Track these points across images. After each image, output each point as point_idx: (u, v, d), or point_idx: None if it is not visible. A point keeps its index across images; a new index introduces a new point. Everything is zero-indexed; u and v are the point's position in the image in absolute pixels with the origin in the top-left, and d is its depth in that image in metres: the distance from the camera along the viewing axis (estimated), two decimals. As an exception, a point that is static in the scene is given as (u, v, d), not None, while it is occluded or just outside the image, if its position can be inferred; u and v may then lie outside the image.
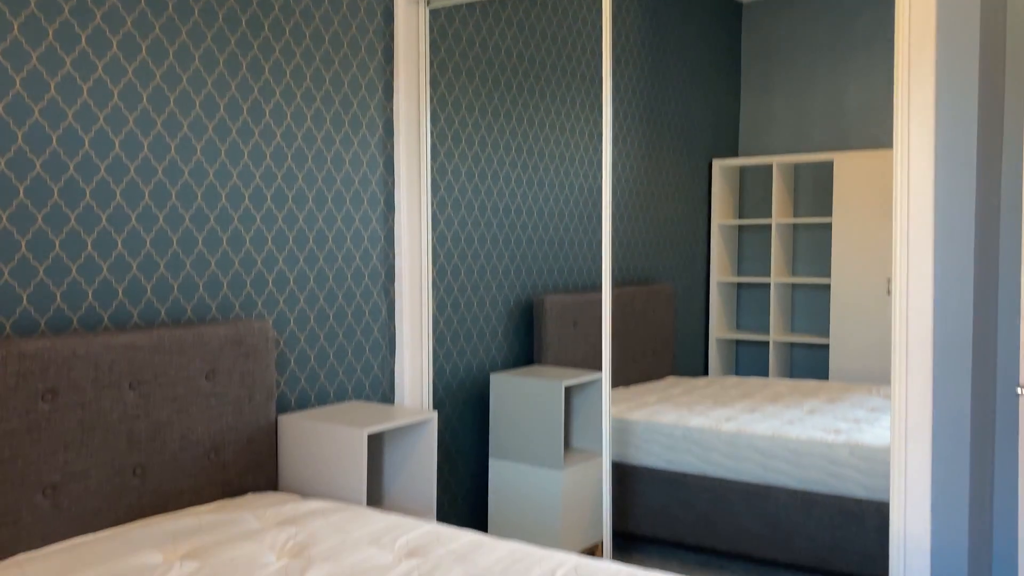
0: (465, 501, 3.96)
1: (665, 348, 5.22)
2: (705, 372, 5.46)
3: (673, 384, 4.91)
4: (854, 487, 3.45)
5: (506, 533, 3.86)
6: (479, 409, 4.03)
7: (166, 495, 2.65)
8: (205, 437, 2.75)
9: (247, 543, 2.36)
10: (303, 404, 3.22)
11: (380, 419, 3.00)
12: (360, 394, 3.44)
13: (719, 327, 5.40)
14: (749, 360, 5.58)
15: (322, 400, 3.29)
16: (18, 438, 2.30)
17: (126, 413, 2.54)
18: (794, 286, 5.03)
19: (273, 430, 2.97)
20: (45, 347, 2.35)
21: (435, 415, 3.14)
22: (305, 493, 2.96)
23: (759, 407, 4.25)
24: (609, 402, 3.67)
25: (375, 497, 3.27)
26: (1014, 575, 2.90)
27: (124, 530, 2.44)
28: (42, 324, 2.46)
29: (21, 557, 2.25)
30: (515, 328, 4.23)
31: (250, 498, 2.77)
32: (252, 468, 2.90)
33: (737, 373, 5.56)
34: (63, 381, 2.39)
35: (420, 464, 3.15)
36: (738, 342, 5.58)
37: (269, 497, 2.77)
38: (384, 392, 3.55)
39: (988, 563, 2.91)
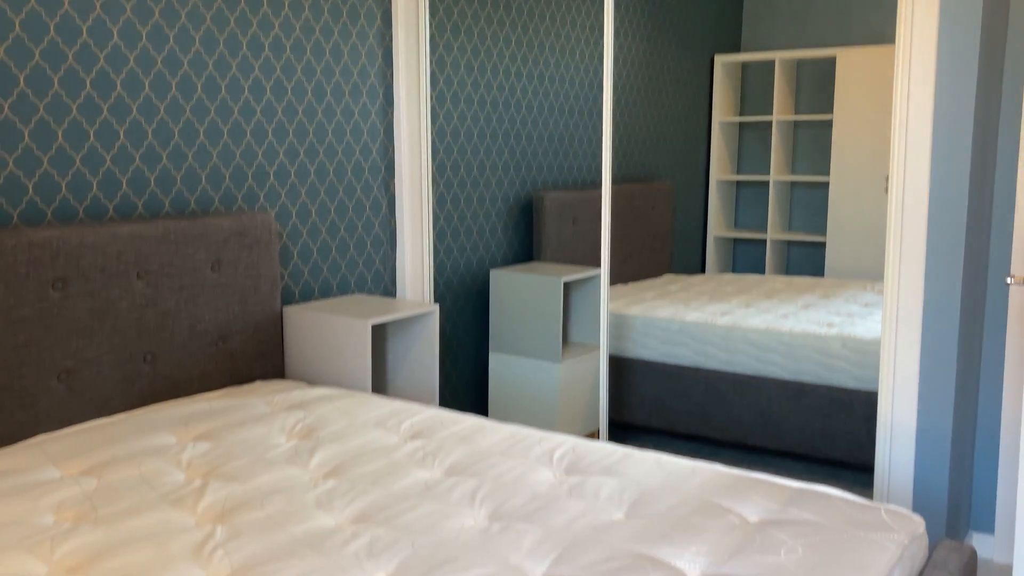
0: (466, 394, 4.06)
1: (663, 246, 5.26)
2: (702, 270, 5.52)
3: (671, 281, 4.97)
4: (845, 378, 3.54)
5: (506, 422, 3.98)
6: (479, 304, 4.10)
7: (176, 382, 2.72)
8: (212, 326, 2.81)
9: (257, 426, 2.45)
10: (307, 296, 3.27)
11: (383, 311, 3.06)
12: (363, 288, 3.50)
13: (717, 225, 5.43)
14: (746, 258, 5.63)
15: (325, 293, 3.34)
16: (32, 325, 2.35)
17: (134, 302, 2.59)
18: (793, 184, 5.04)
19: (279, 321, 3.03)
20: (53, 236, 2.38)
21: (436, 308, 3.20)
22: (311, 381, 3.04)
23: (754, 302, 4.32)
24: (607, 297, 3.73)
25: (379, 387, 3.36)
26: (995, 460, 3.01)
27: (137, 414, 2.52)
28: (49, 214, 2.49)
29: (41, 438, 2.33)
30: (515, 225, 4.26)
31: (258, 385, 2.85)
32: (259, 357, 2.97)
33: (734, 271, 5.62)
34: (72, 270, 2.43)
35: (422, 355, 3.22)
36: (736, 240, 5.62)
37: (277, 384, 2.85)
38: (386, 286, 3.60)
39: (971, 448, 3.02)
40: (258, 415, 2.55)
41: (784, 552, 1.69)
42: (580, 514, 1.89)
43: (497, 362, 3.97)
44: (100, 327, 2.51)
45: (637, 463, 2.18)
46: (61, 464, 2.17)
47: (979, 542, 3.04)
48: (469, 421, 2.51)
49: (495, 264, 4.17)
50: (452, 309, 3.94)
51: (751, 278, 5.15)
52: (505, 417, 3.99)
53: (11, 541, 1.74)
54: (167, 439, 2.36)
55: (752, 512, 1.92)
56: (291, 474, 2.13)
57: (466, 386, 4.06)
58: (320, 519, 1.88)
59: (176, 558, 1.70)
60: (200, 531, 1.82)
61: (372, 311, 3.05)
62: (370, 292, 3.53)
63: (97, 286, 2.50)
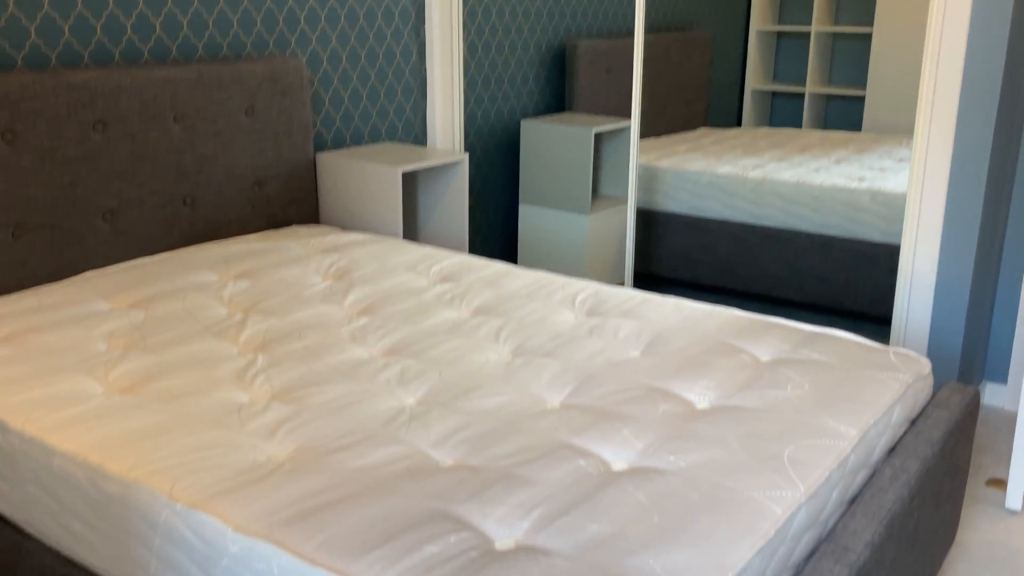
0: (495, 244, 4.14)
1: (699, 98, 5.19)
2: (738, 124, 5.46)
3: (705, 135, 4.93)
4: (872, 232, 3.56)
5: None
6: (510, 155, 4.12)
7: (215, 224, 2.82)
8: (248, 171, 2.88)
9: (294, 267, 2.55)
10: (339, 144, 3.32)
11: (414, 159, 3.11)
12: (393, 136, 3.53)
13: (756, 77, 5.34)
14: (784, 112, 5.55)
15: (357, 141, 3.39)
16: (75, 165, 2.44)
17: (172, 146, 2.66)
18: (835, 36, 4.91)
19: (312, 167, 3.09)
20: (92, 79, 2.43)
21: (466, 157, 3.24)
22: (344, 227, 3.13)
23: (787, 156, 4.30)
24: (636, 149, 3.73)
25: (410, 234, 3.45)
26: (1014, 312, 3.06)
27: (179, 254, 2.63)
28: (85, 57, 2.53)
29: (89, 274, 2.46)
30: (547, 74, 4.23)
31: (294, 229, 2.94)
32: (294, 202, 3.05)
33: (771, 125, 5.55)
34: (111, 112, 2.49)
35: (452, 204, 3.28)
36: (774, 93, 5.52)
37: (312, 229, 2.94)
38: (416, 135, 3.63)
39: (991, 299, 3.07)
40: (294, 257, 2.65)
41: (791, 387, 1.78)
42: (598, 351, 1.98)
43: (527, 214, 4.03)
44: (140, 169, 2.59)
45: (656, 307, 2.27)
46: (109, 298, 2.30)
47: (992, 391, 3.13)
48: (496, 267, 2.60)
49: (526, 114, 4.17)
50: (482, 160, 3.97)
51: (786, 132, 5.10)
52: (534, 268, 4.08)
53: (69, 364, 1.88)
54: (208, 277, 2.48)
55: (764, 352, 2.00)
56: (326, 311, 2.25)
57: (496, 237, 4.14)
58: (354, 351, 2.00)
59: (221, 381, 1.82)
60: (242, 359, 1.94)
61: (403, 159, 3.09)
62: (400, 141, 3.57)
63: (136, 129, 2.56)
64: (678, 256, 4.12)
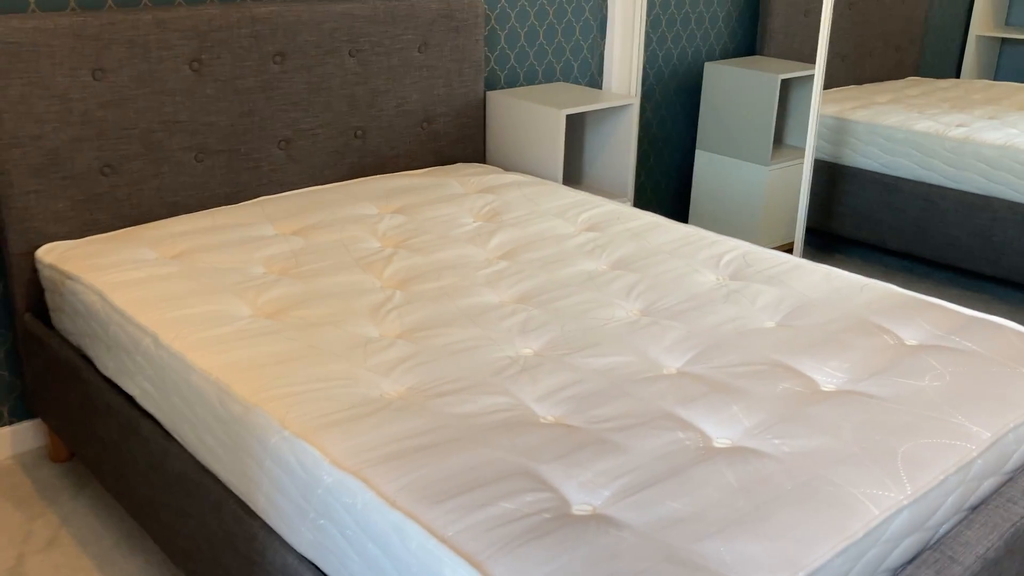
0: (668, 190, 4.06)
1: (911, 44, 4.81)
2: (957, 74, 5.01)
3: (913, 84, 4.57)
4: (1084, 206, 3.21)
5: (706, 225, 3.97)
6: (691, 99, 4.00)
7: (384, 158, 2.93)
8: (418, 107, 2.96)
9: (449, 205, 2.62)
10: (512, 82, 3.34)
11: (582, 101, 3.08)
12: (568, 76, 3.50)
13: (982, 22, 4.87)
14: (1013, 63, 5.05)
15: (531, 80, 3.39)
16: (255, 95, 2.59)
17: (347, 79, 2.77)
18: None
19: (482, 105, 3.13)
20: (273, 12, 2.56)
21: (637, 100, 3.17)
22: (508, 167, 3.16)
23: (1001, 114, 3.92)
24: (819, 97, 3.52)
25: (575, 177, 3.44)
26: None
27: (347, 185, 2.76)
28: (271, -9, 2.66)
29: (262, 199, 2.63)
30: (739, 14, 4.04)
31: (458, 167, 3.00)
32: (462, 140, 3.11)
33: (996, 78, 5.06)
34: (290, 45, 2.62)
35: (620, 148, 3.24)
36: (1004, 40, 5.02)
37: (475, 168, 2.99)
38: (593, 76, 3.59)
39: None
40: (452, 195, 2.71)
41: (929, 377, 1.66)
42: (730, 318, 1.93)
43: (703, 161, 3.91)
44: (315, 100, 2.72)
45: (805, 275, 2.16)
46: (277, 223, 2.45)
47: None
48: (647, 218, 2.55)
49: (712, 57, 4.01)
50: (661, 103, 3.87)
51: (1008, 86, 4.65)
52: (706, 218, 3.97)
53: (227, 285, 2.03)
54: (369, 210, 2.59)
55: (911, 335, 1.88)
56: (469, 252, 2.30)
57: (669, 183, 4.05)
58: (485, 295, 2.04)
59: (357, 314, 1.92)
60: (382, 294, 2.03)
61: (570, 100, 3.07)
62: (576, 81, 3.54)
63: (312, 61, 2.68)
64: (863, 215, 3.88)
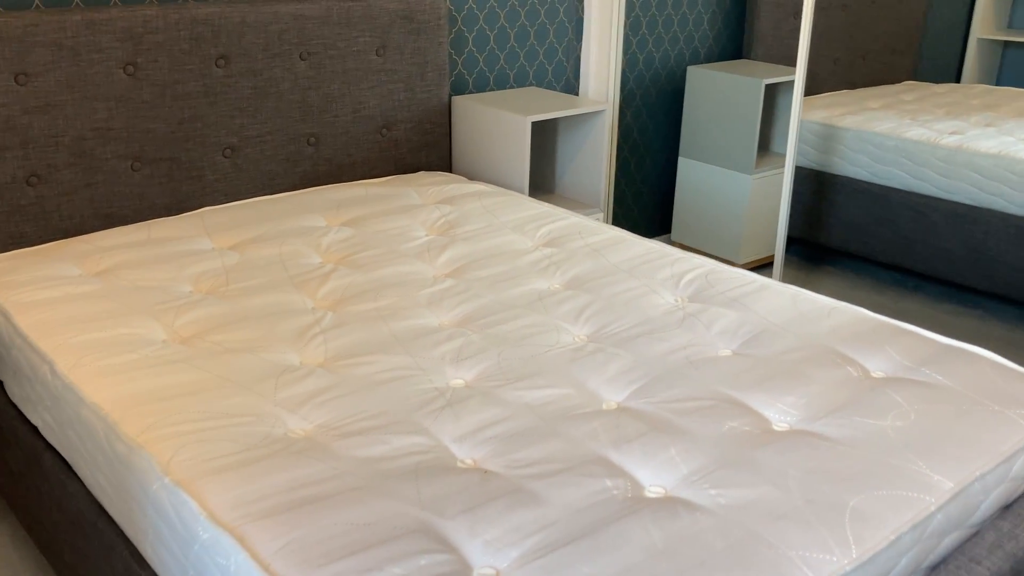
0: (650, 200, 3.91)
1: (908, 47, 4.65)
2: (957, 79, 4.85)
3: (908, 89, 4.41)
4: (1081, 220, 3.05)
5: (688, 235, 3.82)
6: (673, 104, 3.85)
7: (339, 166, 2.79)
8: (376, 113, 2.82)
9: (402, 217, 2.47)
10: (481, 87, 3.19)
11: (552, 107, 2.93)
12: (542, 81, 3.36)
13: (984, 24, 4.70)
14: (1017, 67, 4.88)
15: (501, 84, 3.24)
16: (197, 100, 2.45)
17: (297, 83, 2.63)
18: (1083, -21, 4.23)
19: (446, 111, 2.99)
20: (216, 13, 2.42)
21: (611, 106, 3.02)
22: (475, 176, 3.02)
23: (997, 122, 3.76)
24: (800, 103, 3.36)
25: (547, 187, 3.29)
26: None
27: (297, 195, 2.62)
28: (216, -9, 2.53)
29: (205, 210, 2.49)
30: (724, 16, 3.89)
31: (419, 176, 2.86)
32: (425, 147, 2.97)
33: (999, 83, 4.90)
34: (235, 48, 2.48)
35: (593, 156, 3.09)
36: (1006, 44, 4.85)
37: (437, 177, 2.85)
38: (568, 80, 3.44)
39: None
40: (408, 206, 2.57)
41: (892, 416, 1.51)
42: (683, 346, 1.78)
43: (686, 169, 3.76)
44: (263, 106, 2.58)
45: (771, 297, 2.01)
46: (215, 236, 2.31)
47: None
48: (610, 233, 2.40)
49: (696, 60, 3.86)
50: (642, 108, 3.72)
51: (1008, 92, 4.49)
52: (689, 229, 3.82)
53: (146, 305, 1.90)
54: (317, 222, 2.44)
55: (878, 366, 1.73)
56: (416, 269, 2.15)
57: (651, 192, 3.90)
58: (424, 318, 1.90)
59: (279, 339, 1.78)
60: (311, 316, 1.89)
61: (540, 106, 2.93)
62: (550, 86, 3.39)
63: (260, 65, 2.54)
64: (850, 226, 3.72)
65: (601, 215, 3.09)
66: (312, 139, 2.71)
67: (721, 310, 1.94)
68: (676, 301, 2.01)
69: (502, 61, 3.22)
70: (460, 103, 2.99)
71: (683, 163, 3.77)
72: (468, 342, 1.77)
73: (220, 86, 2.48)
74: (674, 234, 3.87)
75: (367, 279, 2.08)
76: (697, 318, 1.90)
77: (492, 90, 3.22)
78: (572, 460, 1.38)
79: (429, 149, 2.98)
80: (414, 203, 2.61)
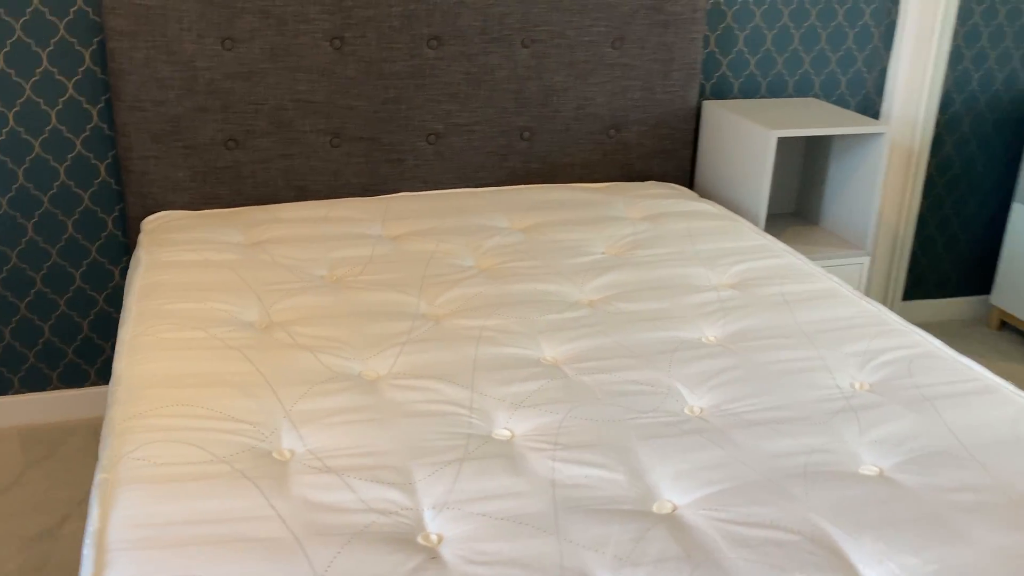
0: (968, 250, 3.19)
1: None
2: None
3: None
4: None
5: (1015, 299, 3.05)
6: (1014, 138, 3.09)
7: (555, 166, 2.55)
8: (605, 111, 2.54)
9: (588, 229, 2.19)
10: (750, 93, 2.77)
11: (816, 122, 2.45)
12: (831, 93, 2.84)
13: None
14: None
15: (776, 92, 2.79)
16: (404, 80, 2.36)
17: (516, 72, 2.43)
18: None
19: (692, 117, 2.62)
20: (432, -9, 2.30)
21: (886, 129, 2.46)
22: (715, 194, 2.63)
23: None
24: None
25: (812, 216, 2.79)
26: None
27: (497, 191, 2.44)
28: (446, -32, 2.41)
29: (397, 195, 2.39)
30: (1108, 33, 3.04)
31: (644, 186, 2.54)
32: (659, 155, 2.63)
33: None
34: (449, 28, 2.35)
35: (864, 188, 2.55)
36: None
37: (663, 189, 2.51)
38: (868, 96, 2.88)
39: None
40: (604, 218, 2.27)
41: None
42: (808, 449, 1.32)
43: (1021, 218, 3.00)
44: (474, 93, 2.42)
45: (987, 406, 1.45)
46: (389, 223, 2.20)
47: None
48: (822, 284, 1.92)
49: (1056, 85, 3.06)
50: (970, 138, 3.03)
51: None
52: (1016, 292, 3.06)
53: (262, 283, 1.82)
54: (499, 222, 2.24)
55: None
56: (560, 290, 1.87)
57: (970, 241, 3.18)
58: (520, 347, 1.62)
59: (361, 341, 1.60)
60: (410, 323, 1.69)
61: (801, 121, 2.46)
62: (840, 100, 2.86)
63: (475, 49, 2.38)
64: None
65: (865, 260, 2.55)
66: (526, 133, 2.50)
67: (899, 410, 1.43)
68: (849, 386, 1.53)
69: (779, 66, 2.77)
70: (711, 109, 2.60)
71: (1018, 210, 3.02)
72: (530, 394, 1.46)
73: (430, 68, 2.36)
74: (994, 296, 3.12)
75: (497, 292, 1.83)
76: (858, 415, 1.42)
77: (763, 97, 2.78)
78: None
79: (665, 158, 2.64)
80: (614, 215, 2.30)
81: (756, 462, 1.28)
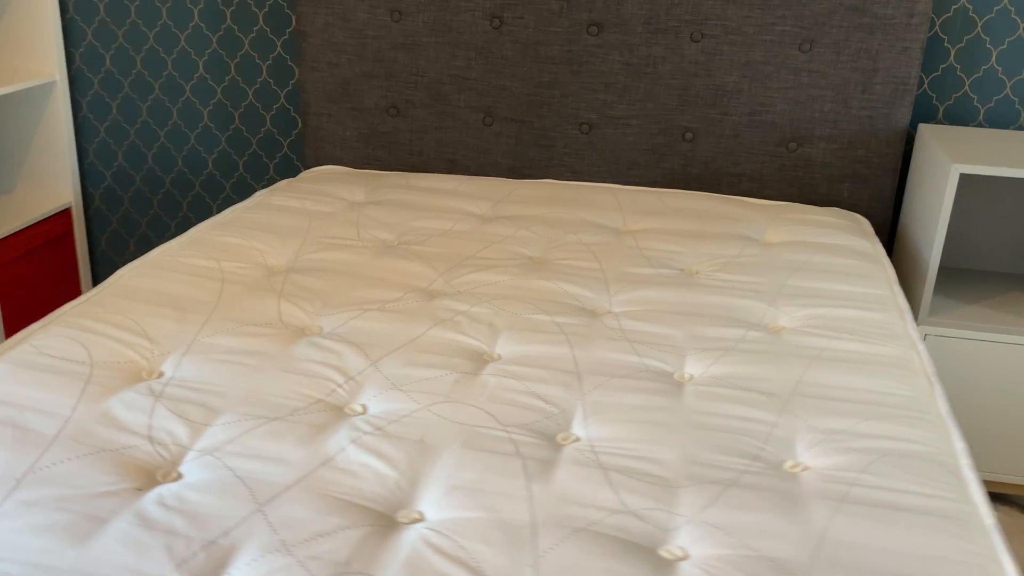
0: None
1: None
2: None
3: None
4: None
5: None
6: None
7: (719, 173, 2.32)
8: (784, 120, 2.25)
9: (688, 243, 1.98)
10: (1001, 122, 2.26)
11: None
12: (1122, 132, 2.21)
13: None
14: None
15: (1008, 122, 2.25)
16: (560, 66, 2.30)
17: (682, 67, 2.25)
18: None
19: (900, 140, 2.21)
20: (596, -25, 2.22)
21: None
22: (913, 232, 2.19)
23: None
24: None
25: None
26: None
27: (642, 192, 2.29)
28: (629, -47, 2.29)
29: (550, 181, 2.36)
30: None
31: (817, 211, 2.20)
32: (852, 179, 2.26)
33: None
34: (611, 15, 2.24)
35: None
36: None
37: (833, 218, 2.15)
38: None
39: None
40: (723, 235, 2.03)
41: None
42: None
43: None
44: (634, 85, 2.29)
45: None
46: (501, 204, 2.19)
47: None
48: (893, 351, 1.54)
49: None
50: None
51: None
52: None
53: (297, 232, 1.94)
54: (611, 221, 2.11)
55: None
56: (583, 295, 1.73)
57: None
58: (468, 337, 1.54)
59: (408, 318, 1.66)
60: (385, 292, 1.70)
61: (1009, 157, 1.96)
62: None
63: (637, 39, 2.25)
64: None
65: (1090, 348, 1.97)
66: (689, 134, 2.30)
67: (776, 501, 1.12)
68: (773, 464, 1.23)
69: (1048, 92, 2.22)
70: (929, 135, 2.18)
71: None
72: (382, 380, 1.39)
73: (587, 55, 2.28)
74: None
75: (512, 284, 1.75)
76: (724, 493, 1.14)
77: (1020, 129, 2.26)
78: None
79: (858, 183, 2.26)
80: (743, 235, 2.04)
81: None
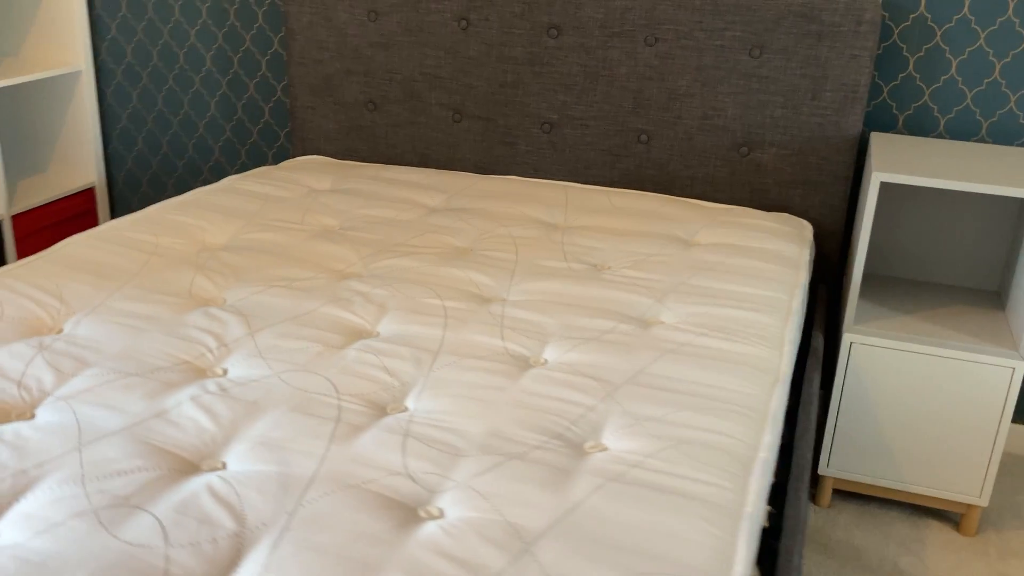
0: None
1: None
2: None
3: None
4: None
5: None
6: None
7: (672, 176, 2.36)
8: (736, 125, 2.27)
9: (616, 240, 2.04)
10: (961, 133, 2.22)
11: (999, 179, 1.91)
12: (1087, 147, 2.15)
13: None
14: None
15: (1009, 137, 2.20)
16: (522, 66, 2.39)
17: (636, 70, 2.30)
18: None
19: (851, 147, 2.20)
20: (555, -20, 2.29)
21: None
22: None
23: None
24: None
25: (1010, 298, 2.15)
26: None
27: (595, 191, 2.35)
28: (593, -41, 2.36)
29: (511, 178, 2.45)
30: None
31: (761, 216, 2.22)
32: (803, 186, 2.27)
33: None
34: (569, 19, 2.31)
35: (1042, 271, 1.91)
36: None
37: (775, 223, 2.17)
38: None
39: None
40: (654, 234, 2.08)
41: None
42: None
43: None
44: (591, 87, 2.35)
45: None
46: (455, 197, 2.29)
47: None
48: (750, 350, 1.57)
49: None
50: None
51: None
52: None
53: (242, 216, 2.08)
54: (552, 217, 2.19)
55: None
56: (480, 281, 1.82)
57: None
58: (349, 313, 1.66)
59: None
60: (301, 273, 1.83)
61: (984, 174, 1.94)
62: (1101, 158, 2.14)
63: (594, 43, 2.31)
64: None
65: (1020, 364, 1.93)
66: (644, 136, 2.35)
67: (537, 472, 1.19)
68: (574, 444, 1.30)
69: (1012, 104, 2.18)
70: (877, 143, 2.17)
71: None
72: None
73: (548, 57, 2.36)
74: None
75: (422, 271, 1.85)
76: (458, 459, 1.22)
77: (982, 141, 2.22)
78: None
79: (810, 190, 2.26)
80: (675, 235, 2.09)
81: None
